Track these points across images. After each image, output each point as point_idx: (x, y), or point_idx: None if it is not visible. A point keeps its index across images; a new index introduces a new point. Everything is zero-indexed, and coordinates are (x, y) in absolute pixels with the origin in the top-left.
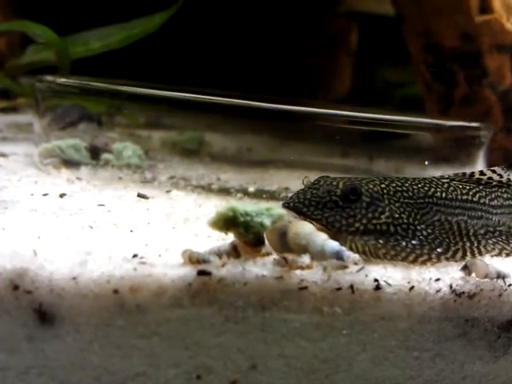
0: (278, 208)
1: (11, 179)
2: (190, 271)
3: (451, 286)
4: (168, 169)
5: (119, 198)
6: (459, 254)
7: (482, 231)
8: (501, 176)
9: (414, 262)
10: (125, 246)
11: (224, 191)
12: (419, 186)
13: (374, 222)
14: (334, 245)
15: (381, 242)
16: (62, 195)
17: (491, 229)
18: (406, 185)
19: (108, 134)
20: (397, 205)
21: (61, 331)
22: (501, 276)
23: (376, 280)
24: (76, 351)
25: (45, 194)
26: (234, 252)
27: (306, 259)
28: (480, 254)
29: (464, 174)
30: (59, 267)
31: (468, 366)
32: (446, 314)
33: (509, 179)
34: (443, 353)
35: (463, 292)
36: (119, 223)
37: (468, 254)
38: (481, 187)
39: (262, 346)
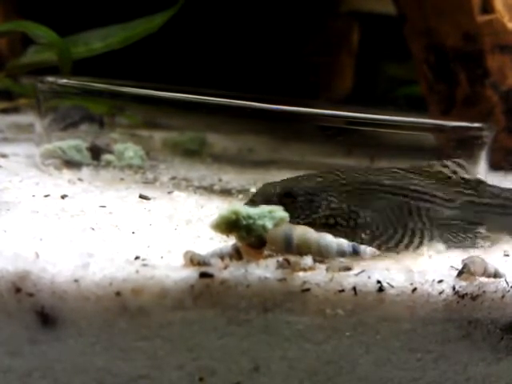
0: (280, 210)
1: (12, 180)
2: (192, 273)
3: (454, 288)
4: (169, 169)
5: (121, 199)
6: (403, 244)
7: (429, 222)
8: (461, 167)
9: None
10: (127, 248)
11: (226, 192)
12: (364, 173)
13: (314, 216)
14: (344, 240)
15: None
16: (63, 196)
17: (441, 221)
18: (346, 173)
19: (109, 134)
20: (335, 194)
21: (63, 334)
22: (498, 275)
23: (379, 282)
24: (78, 354)
25: (46, 196)
26: (236, 254)
27: (308, 261)
28: (421, 243)
29: (421, 165)
30: (61, 269)
31: (471, 368)
32: (448, 315)
33: (476, 178)
34: (446, 354)
35: (466, 293)
36: (121, 225)
37: (412, 245)
38: (436, 180)
39: (264, 348)
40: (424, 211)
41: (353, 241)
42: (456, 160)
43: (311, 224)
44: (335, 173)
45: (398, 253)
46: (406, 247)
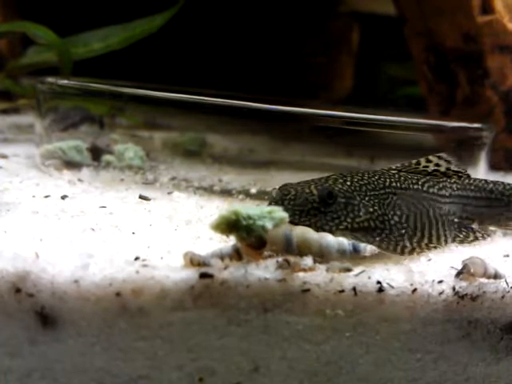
0: (279, 211)
1: (13, 181)
2: (192, 274)
3: (454, 288)
4: (169, 170)
5: (121, 199)
6: (434, 239)
7: (443, 220)
8: (448, 163)
9: (401, 253)
10: (127, 249)
11: (226, 193)
12: (376, 177)
13: (357, 220)
14: (344, 239)
15: (370, 238)
16: (63, 197)
17: (444, 217)
18: (366, 177)
19: (110, 135)
20: (366, 199)
21: (63, 334)
22: (497, 276)
23: (379, 282)
24: (78, 354)
25: (46, 196)
26: (236, 254)
27: (308, 261)
28: (446, 240)
29: (410, 163)
30: (61, 270)
31: (471, 368)
32: (448, 315)
33: (459, 170)
34: (446, 354)
35: (466, 294)
36: (121, 225)
37: (436, 239)
38: (428, 177)
39: (264, 348)
40: (437, 210)
41: (389, 244)
42: (440, 155)
43: (355, 227)
44: (356, 177)
45: (429, 250)
46: (438, 242)
